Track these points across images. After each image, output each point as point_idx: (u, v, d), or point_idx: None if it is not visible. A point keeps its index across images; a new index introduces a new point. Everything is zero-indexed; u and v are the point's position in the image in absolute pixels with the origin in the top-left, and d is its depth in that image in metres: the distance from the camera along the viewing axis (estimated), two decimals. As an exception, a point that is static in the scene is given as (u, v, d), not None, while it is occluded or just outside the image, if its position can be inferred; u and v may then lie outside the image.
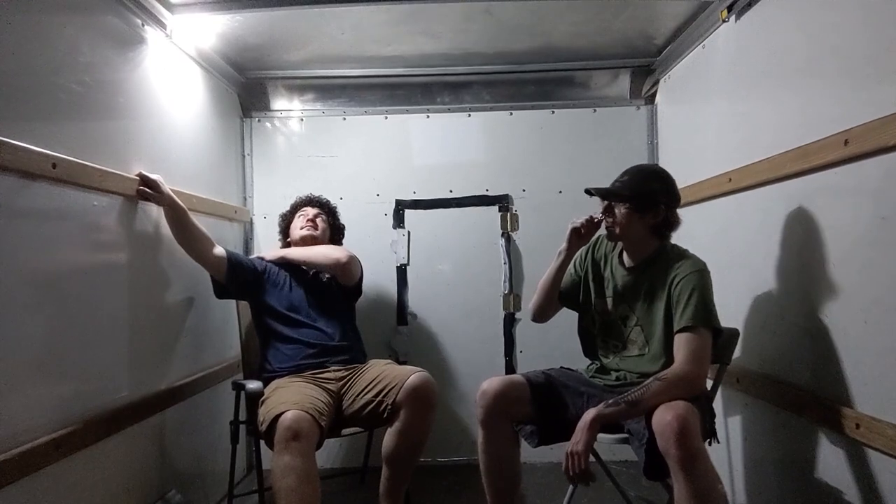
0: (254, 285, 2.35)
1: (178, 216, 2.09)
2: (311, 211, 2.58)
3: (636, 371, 1.90)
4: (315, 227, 2.53)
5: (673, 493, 1.56)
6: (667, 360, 1.79)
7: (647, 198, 1.88)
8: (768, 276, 1.95)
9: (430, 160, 3.06)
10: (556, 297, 2.12)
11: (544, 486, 2.64)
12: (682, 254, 1.91)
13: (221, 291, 2.32)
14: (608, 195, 1.93)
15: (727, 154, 2.18)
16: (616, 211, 1.91)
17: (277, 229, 2.69)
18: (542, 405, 1.89)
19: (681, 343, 1.75)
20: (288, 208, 2.66)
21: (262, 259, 2.47)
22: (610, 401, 1.72)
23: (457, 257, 3.03)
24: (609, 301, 2.01)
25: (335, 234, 2.65)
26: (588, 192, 1.97)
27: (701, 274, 1.82)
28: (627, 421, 1.76)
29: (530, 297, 2.18)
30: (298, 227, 2.53)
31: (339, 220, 2.69)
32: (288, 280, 2.40)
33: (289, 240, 2.60)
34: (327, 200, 2.68)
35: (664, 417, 1.55)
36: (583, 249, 2.09)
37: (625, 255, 1.98)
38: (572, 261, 2.09)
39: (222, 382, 2.52)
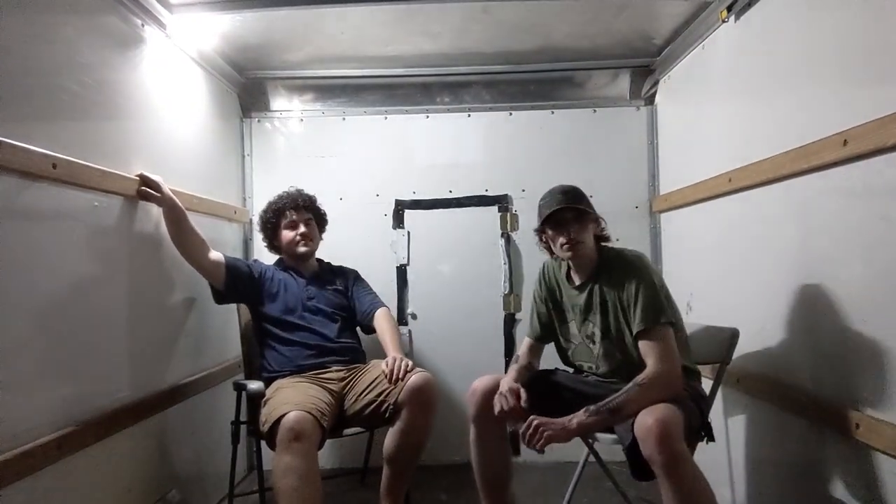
0: (251, 290, 2.34)
1: (176, 218, 2.09)
2: (299, 218, 2.44)
3: (620, 380, 1.84)
4: (310, 240, 2.45)
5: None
6: (642, 364, 1.76)
7: (590, 207, 1.90)
8: (768, 275, 1.95)
9: (429, 160, 3.06)
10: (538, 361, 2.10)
11: (544, 485, 2.64)
12: (618, 254, 1.91)
13: (220, 297, 2.31)
14: (575, 206, 1.85)
15: (727, 154, 2.18)
16: (576, 225, 1.85)
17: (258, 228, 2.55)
18: (534, 404, 1.88)
19: (645, 347, 1.76)
20: (265, 207, 2.50)
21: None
22: (591, 408, 1.70)
23: (457, 257, 3.03)
24: (572, 325, 2.00)
25: (320, 226, 2.55)
26: (552, 214, 1.85)
27: (641, 271, 1.81)
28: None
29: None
30: (294, 242, 2.42)
31: (320, 209, 2.55)
32: (283, 284, 2.37)
33: (277, 244, 2.48)
34: (307, 196, 2.50)
35: (645, 422, 1.56)
36: (537, 284, 2.08)
37: (572, 273, 1.97)
38: (535, 297, 2.09)
39: (223, 383, 2.51)
